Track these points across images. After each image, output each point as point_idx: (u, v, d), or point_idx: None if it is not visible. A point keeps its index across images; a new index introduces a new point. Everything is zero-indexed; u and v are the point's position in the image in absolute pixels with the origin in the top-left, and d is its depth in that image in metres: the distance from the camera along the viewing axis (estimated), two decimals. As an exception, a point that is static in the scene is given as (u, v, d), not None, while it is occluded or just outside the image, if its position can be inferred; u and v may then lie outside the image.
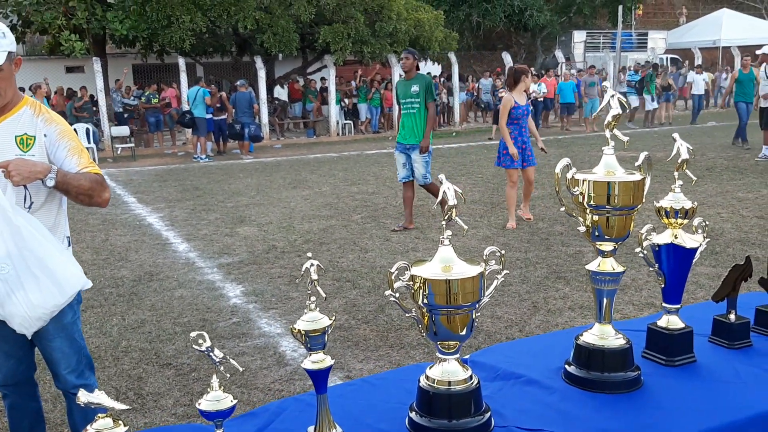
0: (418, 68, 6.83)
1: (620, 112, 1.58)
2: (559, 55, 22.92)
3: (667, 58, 25.26)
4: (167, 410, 3.32)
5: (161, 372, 3.75)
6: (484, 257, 1.45)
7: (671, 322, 1.76)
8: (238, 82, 15.19)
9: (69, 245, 2.44)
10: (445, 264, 1.40)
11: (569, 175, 1.58)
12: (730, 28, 25.34)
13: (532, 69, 21.08)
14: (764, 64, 11.29)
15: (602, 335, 1.64)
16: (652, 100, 18.16)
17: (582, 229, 1.61)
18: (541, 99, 17.29)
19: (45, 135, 2.26)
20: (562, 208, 1.62)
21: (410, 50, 6.89)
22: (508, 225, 6.92)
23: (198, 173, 12.09)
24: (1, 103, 2.22)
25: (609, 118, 1.58)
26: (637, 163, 1.61)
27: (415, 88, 6.67)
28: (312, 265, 1.36)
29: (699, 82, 19.00)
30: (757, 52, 12.15)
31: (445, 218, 1.43)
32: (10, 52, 2.18)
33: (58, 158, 2.27)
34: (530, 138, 6.88)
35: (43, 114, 2.29)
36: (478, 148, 14.69)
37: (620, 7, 22.28)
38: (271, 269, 5.72)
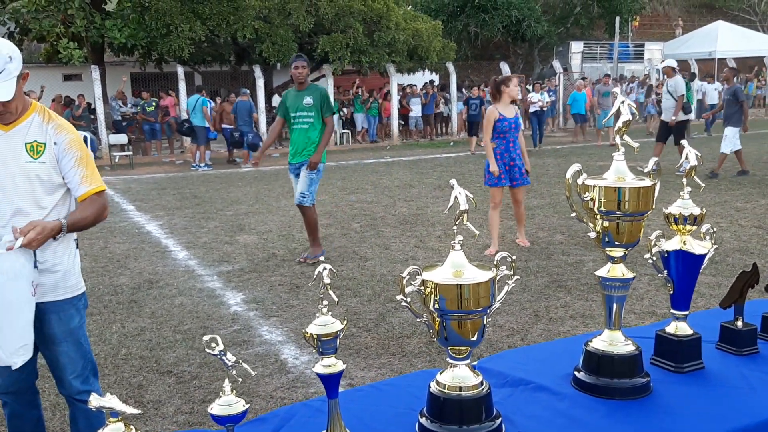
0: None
1: (630, 118, 1.59)
2: (556, 65, 23.05)
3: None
4: (168, 418, 3.30)
5: (162, 380, 3.72)
6: (495, 262, 1.45)
7: (680, 328, 1.76)
8: (240, 91, 15.31)
9: (77, 247, 2.45)
10: (456, 269, 1.40)
11: (580, 181, 1.58)
12: (726, 40, 25.55)
13: (530, 78, 21.05)
14: (666, 78, 11.29)
15: (612, 341, 1.64)
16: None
17: (592, 234, 1.62)
18: (545, 108, 16.58)
19: (55, 143, 2.28)
20: (573, 214, 1.62)
21: (303, 57, 5.94)
22: (486, 252, 6.17)
23: (196, 182, 12.09)
24: (11, 119, 2.25)
25: (620, 124, 1.59)
26: (646, 170, 1.61)
27: (308, 100, 5.80)
28: (324, 269, 1.36)
29: (711, 92, 18.47)
30: (659, 66, 12.14)
31: (456, 223, 1.43)
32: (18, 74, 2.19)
33: (64, 167, 2.30)
34: (521, 154, 6.20)
35: (53, 121, 2.31)
36: (477, 157, 14.72)
37: (617, 19, 22.45)
38: (272, 277, 5.71)
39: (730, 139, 10.39)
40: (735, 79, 10.90)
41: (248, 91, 15.52)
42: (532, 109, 16.32)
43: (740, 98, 10.40)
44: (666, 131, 10.80)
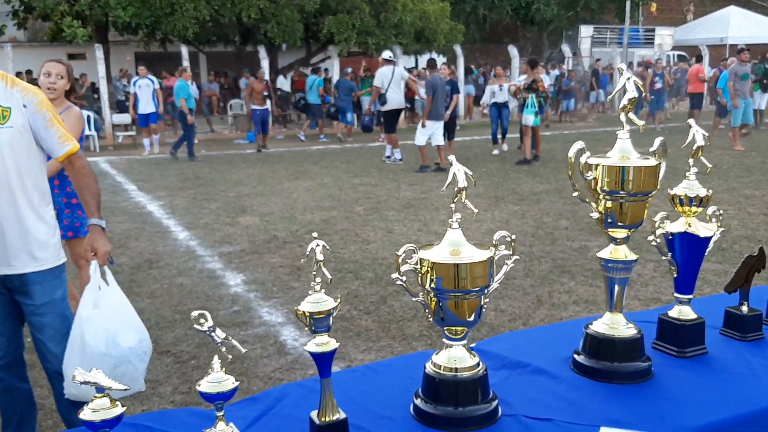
0: None
1: (636, 95, 1.53)
2: (565, 49, 22.82)
3: (674, 55, 25.14)
4: (165, 398, 3.29)
5: (160, 359, 3.72)
6: (494, 242, 1.41)
7: (683, 312, 1.72)
8: (346, 70, 16.36)
9: (57, 218, 2.52)
10: (453, 248, 1.36)
11: (582, 160, 1.54)
12: (738, 25, 25.19)
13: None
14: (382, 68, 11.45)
15: (613, 324, 1.60)
16: (764, 92, 14.83)
17: (595, 215, 1.57)
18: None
19: (24, 105, 2.27)
20: (575, 194, 1.57)
21: None
22: None
23: (199, 162, 12.04)
24: None
25: (625, 101, 1.54)
26: (652, 149, 1.56)
27: None
28: (317, 245, 1.32)
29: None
30: (379, 58, 12.24)
31: (454, 201, 1.39)
32: None
33: (38, 128, 2.30)
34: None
35: (18, 85, 2.30)
36: (483, 141, 14.61)
37: (628, 3, 22.16)
38: (272, 259, 5.69)
39: (427, 132, 10.38)
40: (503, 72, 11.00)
41: (351, 71, 16.22)
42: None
43: (427, 93, 10.52)
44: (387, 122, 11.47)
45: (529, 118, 10.87)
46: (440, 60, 22.90)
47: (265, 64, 17.33)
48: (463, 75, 20.01)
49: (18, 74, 15.92)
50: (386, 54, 11.85)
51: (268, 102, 14.14)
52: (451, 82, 11.38)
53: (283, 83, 19.44)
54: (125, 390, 1.21)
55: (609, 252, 1.59)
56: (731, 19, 25.80)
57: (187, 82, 12.87)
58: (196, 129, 13.85)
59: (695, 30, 27.00)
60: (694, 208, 1.66)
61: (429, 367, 1.42)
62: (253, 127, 14.14)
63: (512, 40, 26.49)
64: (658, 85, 15.64)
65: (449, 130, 11.15)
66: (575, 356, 1.63)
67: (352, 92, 15.70)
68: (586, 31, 25.13)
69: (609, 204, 1.54)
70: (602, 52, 23.65)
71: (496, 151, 12.31)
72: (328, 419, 1.32)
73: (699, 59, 18.40)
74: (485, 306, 1.41)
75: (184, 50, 17.08)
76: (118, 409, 1.18)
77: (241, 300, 4.69)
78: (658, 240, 1.68)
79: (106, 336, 2.24)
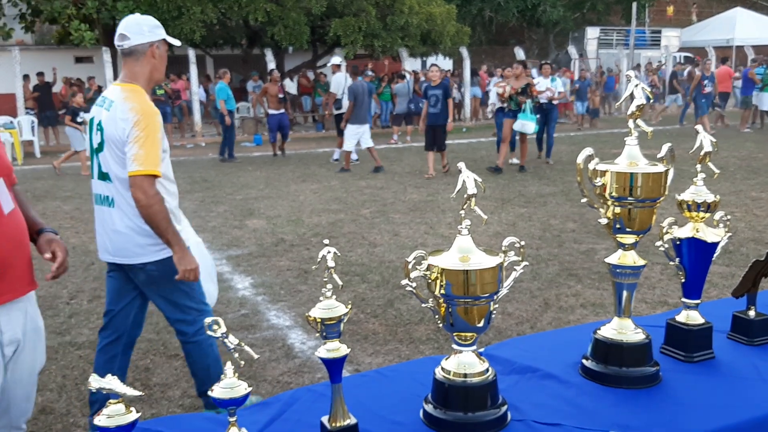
0: None
1: (644, 102, 1.54)
2: (572, 51, 22.79)
3: (680, 57, 25.06)
4: (174, 401, 3.31)
5: (169, 363, 3.74)
6: (503, 248, 1.42)
7: (691, 317, 1.73)
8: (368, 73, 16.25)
9: None
10: (463, 254, 1.37)
11: (591, 166, 1.55)
12: (744, 27, 25.08)
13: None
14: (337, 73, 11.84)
15: (621, 329, 1.61)
16: None
17: (603, 221, 1.58)
18: (556, 101, 11.32)
19: None
20: (584, 200, 1.58)
21: None
22: None
23: (207, 165, 12.10)
24: None
25: (632, 107, 1.55)
26: (660, 155, 1.57)
27: None
28: (329, 252, 1.34)
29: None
30: (329, 63, 12.33)
31: (464, 207, 1.40)
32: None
33: None
34: None
35: None
36: (489, 144, 14.62)
37: (634, 4, 22.11)
38: (280, 262, 5.71)
39: (353, 137, 10.80)
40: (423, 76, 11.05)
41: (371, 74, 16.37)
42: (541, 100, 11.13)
43: (348, 99, 10.95)
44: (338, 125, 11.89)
45: (530, 125, 9.86)
46: (446, 62, 22.95)
47: (272, 66, 17.40)
48: (469, 77, 20.02)
49: (25, 77, 16.08)
50: (336, 60, 11.92)
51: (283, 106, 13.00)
52: (443, 85, 9.96)
53: (290, 86, 19.50)
54: (139, 395, 1.23)
55: (617, 258, 1.60)
56: (737, 20, 25.69)
57: (227, 84, 12.84)
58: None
59: (702, 31, 26.90)
60: (701, 214, 1.67)
61: (438, 373, 1.44)
62: (267, 133, 13.26)
63: (518, 42, 26.48)
64: (708, 89, 14.55)
65: (437, 140, 10.13)
66: (584, 361, 1.64)
67: (370, 95, 15.60)
68: (592, 32, 25.08)
69: (617, 210, 1.55)
70: (608, 53, 23.62)
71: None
72: (339, 424, 1.34)
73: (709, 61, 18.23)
74: (494, 312, 1.42)
75: (191, 53, 17.15)
76: (133, 415, 1.19)
77: (249, 303, 4.71)
78: (666, 245, 1.69)
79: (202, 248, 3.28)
